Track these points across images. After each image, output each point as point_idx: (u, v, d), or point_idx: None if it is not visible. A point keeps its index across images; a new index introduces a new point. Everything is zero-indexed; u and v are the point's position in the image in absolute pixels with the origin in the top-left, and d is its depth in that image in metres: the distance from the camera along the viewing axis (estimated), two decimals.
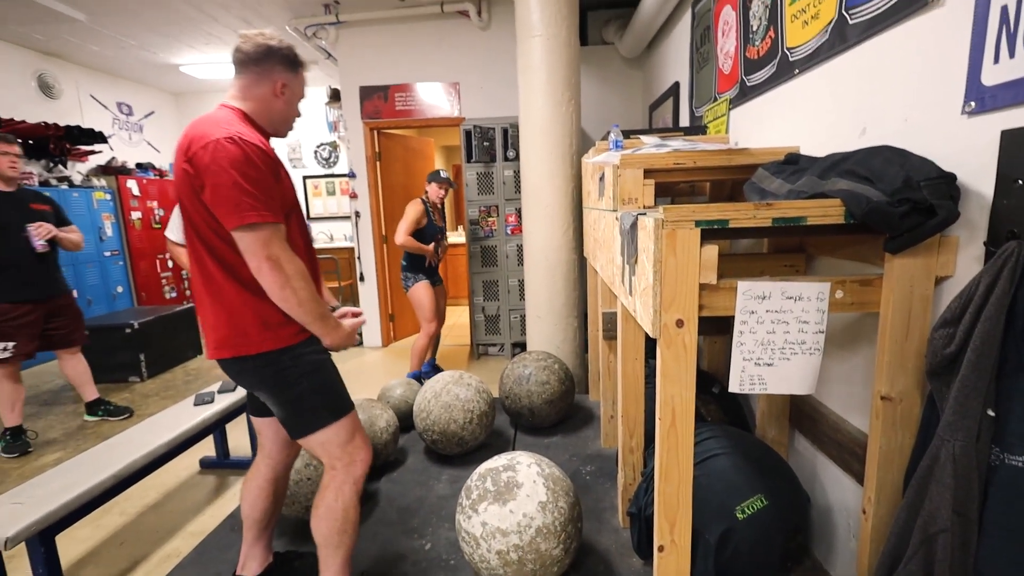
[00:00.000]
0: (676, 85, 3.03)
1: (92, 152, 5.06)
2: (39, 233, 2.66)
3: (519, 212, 3.89)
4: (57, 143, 4.62)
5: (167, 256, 5.70)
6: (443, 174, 3.36)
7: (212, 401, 2.24)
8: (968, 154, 0.99)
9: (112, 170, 5.27)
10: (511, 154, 3.85)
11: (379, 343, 4.69)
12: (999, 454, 0.86)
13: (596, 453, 2.31)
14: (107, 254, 5.06)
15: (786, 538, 1.38)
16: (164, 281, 5.73)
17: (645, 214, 1.13)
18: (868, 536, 1.15)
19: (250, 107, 1.29)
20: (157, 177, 5.80)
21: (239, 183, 1.11)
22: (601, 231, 1.87)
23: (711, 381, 2.09)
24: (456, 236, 6.07)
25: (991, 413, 0.86)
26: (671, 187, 2.24)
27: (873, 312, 1.12)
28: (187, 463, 2.51)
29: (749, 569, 1.34)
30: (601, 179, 1.90)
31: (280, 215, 1.19)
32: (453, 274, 6.20)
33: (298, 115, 1.41)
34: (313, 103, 5.88)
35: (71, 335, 2.94)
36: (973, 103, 0.97)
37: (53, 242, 2.75)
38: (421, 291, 3.25)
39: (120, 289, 5.19)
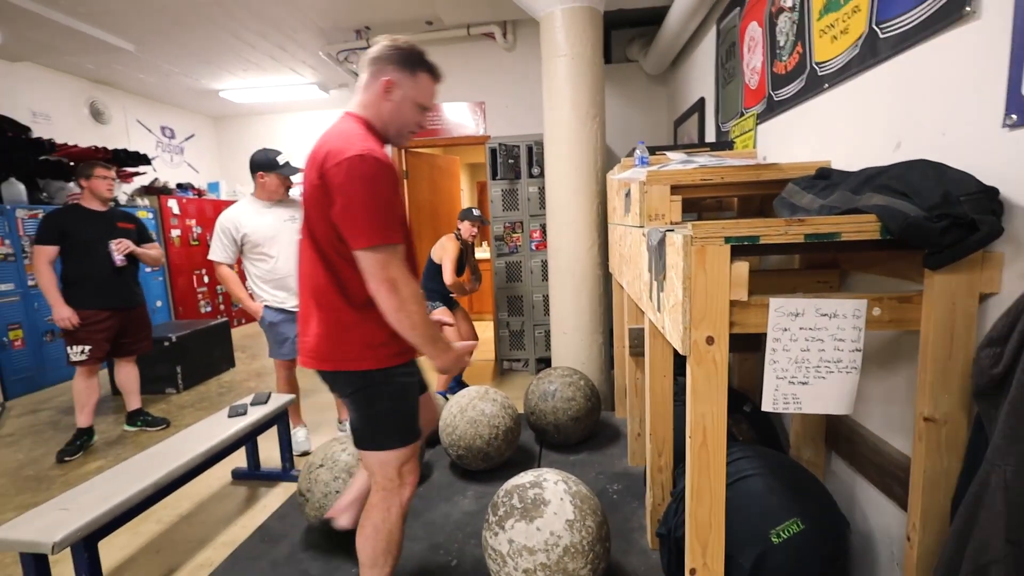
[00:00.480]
0: (701, 101, 3.03)
1: (137, 173, 5.33)
2: (119, 248, 2.89)
3: (543, 228, 3.91)
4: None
5: (203, 272, 5.93)
6: (475, 212, 3.35)
7: (245, 413, 2.30)
8: (1011, 168, 0.96)
9: (155, 190, 5.53)
10: (535, 171, 3.88)
11: None
12: None
13: (623, 471, 2.27)
14: (148, 270, 5.28)
15: (824, 564, 1.32)
16: (200, 296, 5.95)
17: (673, 230, 1.13)
18: (914, 565, 1.10)
19: (368, 113, 1.26)
20: (196, 197, 6.06)
21: (369, 204, 1.12)
22: (627, 247, 1.87)
23: (742, 399, 2.04)
24: (481, 252, 6.12)
25: None
26: (698, 203, 2.23)
27: (913, 330, 1.09)
28: (219, 473, 2.57)
29: None
30: (627, 195, 1.91)
31: (400, 235, 1.18)
32: (478, 289, 6.23)
33: (419, 123, 1.30)
34: None
35: (137, 344, 3.14)
36: (1015, 116, 0.95)
37: (132, 257, 2.98)
38: (441, 317, 3.25)
39: (159, 304, 5.41)
